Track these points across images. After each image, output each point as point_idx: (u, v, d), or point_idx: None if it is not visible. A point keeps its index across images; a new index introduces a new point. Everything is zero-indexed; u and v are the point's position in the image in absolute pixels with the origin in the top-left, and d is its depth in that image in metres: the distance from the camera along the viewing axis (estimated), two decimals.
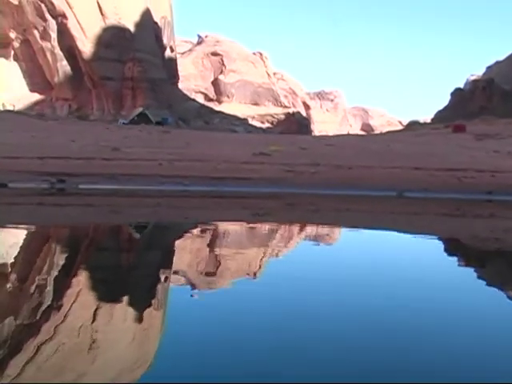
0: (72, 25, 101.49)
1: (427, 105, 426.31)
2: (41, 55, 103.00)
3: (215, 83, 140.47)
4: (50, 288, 5.93)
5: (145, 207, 17.75)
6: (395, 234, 12.92)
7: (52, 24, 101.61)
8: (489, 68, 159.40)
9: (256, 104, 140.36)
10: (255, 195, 23.54)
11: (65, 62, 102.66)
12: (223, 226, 13.34)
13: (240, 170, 27.55)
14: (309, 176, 27.31)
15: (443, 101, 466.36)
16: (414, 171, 28.68)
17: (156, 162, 28.31)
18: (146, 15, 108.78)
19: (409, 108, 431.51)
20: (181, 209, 18.13)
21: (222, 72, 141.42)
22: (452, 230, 14.31)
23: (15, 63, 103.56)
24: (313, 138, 45.25)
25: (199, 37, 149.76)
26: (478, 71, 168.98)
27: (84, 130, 47.35)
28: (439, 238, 12.16)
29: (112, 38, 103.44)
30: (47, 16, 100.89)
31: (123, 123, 57.23)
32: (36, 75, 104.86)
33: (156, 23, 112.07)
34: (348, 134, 57.11)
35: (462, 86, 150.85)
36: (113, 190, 22.12)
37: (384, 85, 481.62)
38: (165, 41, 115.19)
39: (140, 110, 71.65)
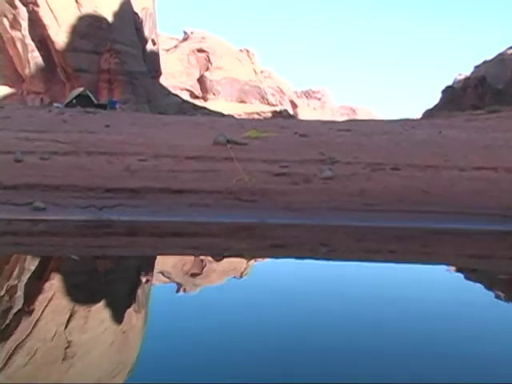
0: (44, 13, 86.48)
1: (412, 104, 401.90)
2: (11, 45, 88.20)
3: (201, 80, 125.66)
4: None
5: None
6: None
7: (23, 12, 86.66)
8: (477, 67, 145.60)
9: (242, 102, 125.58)
10: (196, 230, 10.02)
11: (36, 53, 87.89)
12: None
13: (179, 173, 11.38)
14: (321, 186, 11.15)
15: (429, 100, 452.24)
16: None
17: (10, 157, 12.11)
18: (126, 5, 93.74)
19: (394, 107, 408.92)
20: None
21: (207, 69, 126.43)
22: None
23: None
24: (316, 122, 29.19)
25: (185, 33, 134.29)
26: (465, 71, 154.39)
27: None
28: None
29: (88, 28, 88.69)
30: (17, 3, 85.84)
31: (57, 107, 41.49)
32: (7, 67, 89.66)
33: (136, 14, 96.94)
34: (365, 120, 41.10)
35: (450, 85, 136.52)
36: None
37: (370, 84, 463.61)
38: (146, 33, 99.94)
39: (80, 90, 55.62)
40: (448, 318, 5.33)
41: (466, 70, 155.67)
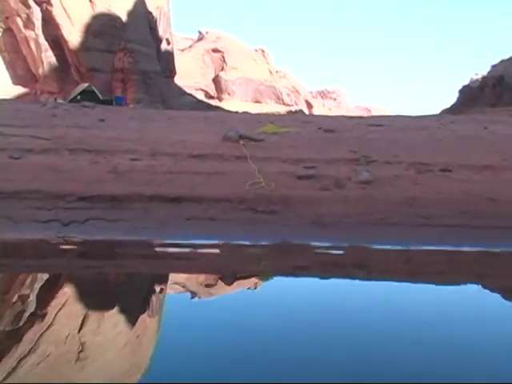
0: (58, 12, 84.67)
1: (427, 104, 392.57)
2: (24, 45, 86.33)
3: (216, 80, 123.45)
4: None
5: None
6: None
7: (36, 11, 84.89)
8: (494, 66, 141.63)
9: (257, 102, 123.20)
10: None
11: (50, 53, 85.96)
12: None
13: (178, 176, 8.21)
14: (358, 193, 7.99)
15: (444, 100, 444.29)
16: None
17: None
18: (139, 4, 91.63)
19: (409, 108, 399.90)
20: None
21: (222, 69, 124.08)
22: None
23: None
24: (341, 117, 26.00)
25: (200, 33, 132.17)
26: (480, 71, 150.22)
27: None
28: None
29: (101, 27, 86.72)
30: (31, 2, 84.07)
31: (60, 103, 39.02)
32: (20, 67, 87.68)
33: (150, 13, 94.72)
34: (395, 115, 37.54)
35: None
36: None
37: (385, 84, 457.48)
38: (160, 32, 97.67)
39: (84, 86, 53.26)
40: None
41: (482, 70, 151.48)
